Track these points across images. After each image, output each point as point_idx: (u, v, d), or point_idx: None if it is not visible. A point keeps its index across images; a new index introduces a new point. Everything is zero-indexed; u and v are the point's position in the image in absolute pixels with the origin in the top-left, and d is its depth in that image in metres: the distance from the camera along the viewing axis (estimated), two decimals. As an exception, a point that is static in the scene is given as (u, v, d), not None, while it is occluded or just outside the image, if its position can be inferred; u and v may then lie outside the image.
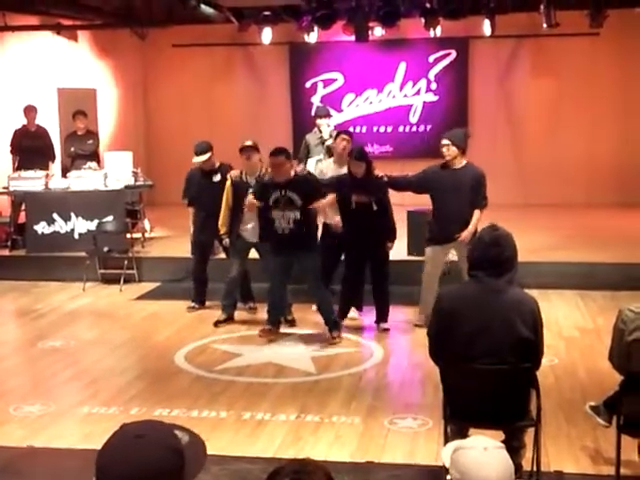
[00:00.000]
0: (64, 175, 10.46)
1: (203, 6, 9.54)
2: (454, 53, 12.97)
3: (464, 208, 6.90)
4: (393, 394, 5.86)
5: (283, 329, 7.20)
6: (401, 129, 13.27)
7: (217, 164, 7.82)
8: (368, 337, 7.17)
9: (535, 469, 4.01)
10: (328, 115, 9.08)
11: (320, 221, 7.16)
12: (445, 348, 3.94)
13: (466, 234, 6.84)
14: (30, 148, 10.22)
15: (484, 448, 2.16)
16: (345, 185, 6.99)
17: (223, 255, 7.94)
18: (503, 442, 3.38)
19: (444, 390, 4.06)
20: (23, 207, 9.92)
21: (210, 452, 1.86)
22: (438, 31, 11.09)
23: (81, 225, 9.64)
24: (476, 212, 6.93)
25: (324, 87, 13.38)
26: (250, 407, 5.45)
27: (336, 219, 7.02)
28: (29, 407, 5.54)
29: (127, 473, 1.61)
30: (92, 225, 9.52)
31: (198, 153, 7.72)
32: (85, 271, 9.01)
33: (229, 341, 7.06)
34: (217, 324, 7.45)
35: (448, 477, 2.19)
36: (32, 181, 9.79)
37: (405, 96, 13.21)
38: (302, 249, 6.72)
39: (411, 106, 13.21)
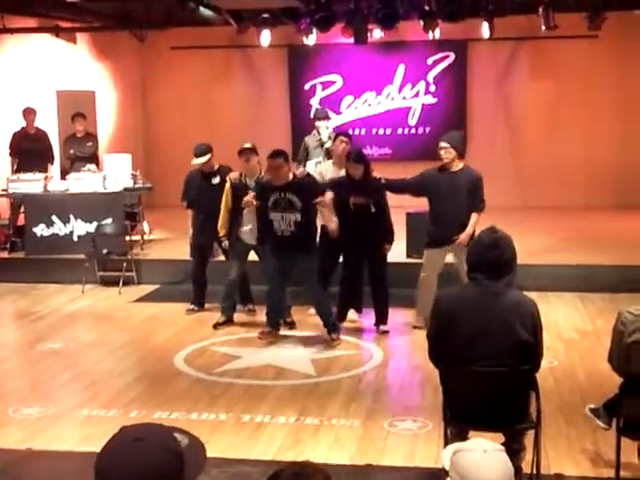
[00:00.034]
0: (63, 177, 10.46)
1: (202, 8, 9.54)
2: (453, 55, 12.99)
3: (461, 211, 6.91)
4: (393, 396, 5.85)
5: (282, 331, 7.20)
6: (400, 131, 13.28)
7: (216, 166, 7.82)
8: (367, 339, 7.17)
9: (535, 472, 4.01)
10: (327, 117, 9.09)
11: (318, 223, 7.15)
12: (444, 350, 3.94)
13: (464, 237, 6.85)
14: (29, 150, 10.22)
15: (484, 450, 2.16)
16: (343, 187, 6.99)
17: (222, 257, 7.94)
18: (503, 444, 3.39)
19: (444, 392, 4.05)
20: (22, 209, 9.91)
21: (210, 455, 1.86)
22: (437, 33, 11.11)
23: (80, 227, 9.63)
24: (473, 215, 6.94)
25: (323, 89, 13.38)
26: (249, 409, 5.45)
27: (332, 226, 7.01)
28: (28, 409, 5.53)
29: (126, 476, 1.61)
30: (91, 227, 9.52)
31: (197, 155, 7.72)
32: (84, 273, 9.01)
33: (228, 343, 7.06)
34: (216, 326, 7.45)
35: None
36: (31, 183, 9.79)
37: (404, 98, 13.22)
38: (301, 251, 6.72)
39: (410, 108, 13.22)
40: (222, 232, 7.37)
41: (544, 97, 12.94)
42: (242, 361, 6.57)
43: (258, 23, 11.02)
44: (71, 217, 9.63)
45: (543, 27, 10.08)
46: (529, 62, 12.96)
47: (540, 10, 9.95)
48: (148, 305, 8.45)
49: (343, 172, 7.23)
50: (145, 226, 10.57)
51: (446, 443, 3.91)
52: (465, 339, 3.83)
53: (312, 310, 7.30)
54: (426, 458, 4.62)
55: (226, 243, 7.43)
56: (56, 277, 9.31)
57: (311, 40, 11.54)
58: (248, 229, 7.24)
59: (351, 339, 7.10)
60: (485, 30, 11.03)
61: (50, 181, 10.02)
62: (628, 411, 4.03)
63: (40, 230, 9.62)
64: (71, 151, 10.66)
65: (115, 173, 10.10)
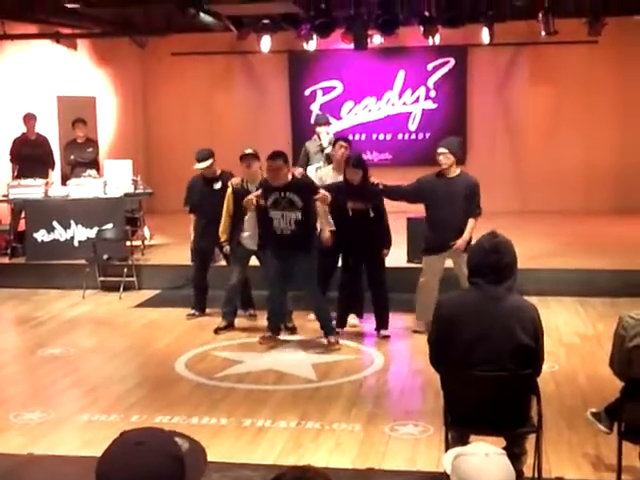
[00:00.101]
0: (64, 183, 10.48)
1: (202, 14, 9.55)
2: (453, 61, 13.01)
3: (458, 216, 6.93)
4: (394, 401, 5.85)
5: (283, 336, 7.20)
6: (400, 137, 13.30)
7: (218, 172, 7.83)
8: (368, 344, 7.17)
9: (536, 476, 4.01)
10: (328, 123, 9.10)
11: (318, 227, 7.16)
12: (445, 355, 3.94)
13: (461, 242, 6.89)
14: (30, 156, 10.23)
15: (485, 454, 2.16)
16: (341, 192, 7.00)
17: (223, 262, 7.94)
18: (504, 449, 3.39)
19: (445, 397, 4.05)
20: (23, 215, 9.92)
21: (210, 459, 1.86)
22: (437, 39, 11.12)
23: (81, 233, 9.64)
24: (470, 221, 6.96)
25: (323, 95, 13.40)
26: (250, 414, 5.45)
27: (325, 234, 7.01)
28: (29, 414, 5.53)
29: (127, 480, 1.61)
30: (92, 233, 9.53)
31: (199, 160, 7.74)
32: (85, 279, 9.01)
33: (229, 348, 7.06)
34: (217, 331, 7.45)
35: (449, 483, 2.19)
36: (32, 189, 9.80)
37: (404, 104, 13.24)
38: (301, 249, 6.73)
39: (410, 114, 13.24)
40: (224, 237, 7.37)
41: (544, 102, 12.95)
42: (243, 366, 6.57)
43: (258, 29, 11.05)
44: (72, 223, 9.64)
45: (543, 32, 10.10)
46: (529, 67, 12.98)
47: (540, 15, 9.97)
48: (149, 310, 8.45)
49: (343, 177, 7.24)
50: (146, 231, 10.58)
51: (447, 447, 3.90)
52: (466, 344, 3.83)
53: (312, 315, 7.30)
54: (427, 462, 4.62)
55: (227, 248, 7.44)
56: (57, 282, 9.31)
57: (311, 46, 11.56)
58: (249, 234, 7.24)
59: (352, 344, 7.10)
60: (485, 36, 11.05)
61: (51, 187, 10.03)
62: (629, 415, 4.03)
63: (41, 236, 9.63)
64: (72, 157, 10.68)
65: (116, 179, 10.11)
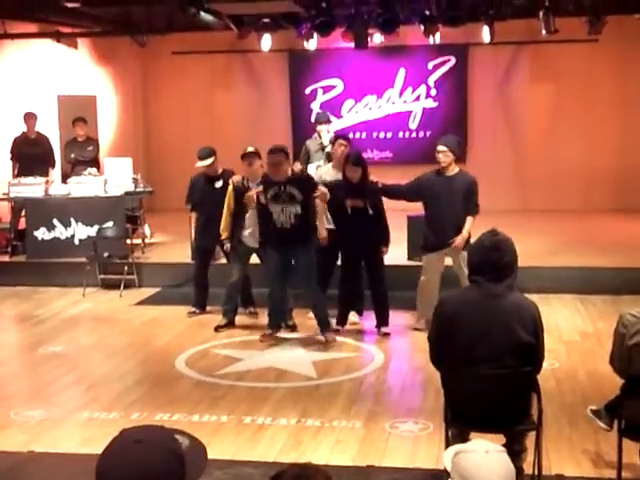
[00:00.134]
0: (64, 181, 10.48)
1: (202, 13, 9.55)
2: (453, 60, 13.00)
3: (457, 214, 6.95)
4: (394, 398, 5.85)
5: (284, 334, 7.21)
6: (401, 135, 13.29)
7: (220, 170, 7.84)
8: (369, 341, 7.17)
9: (536, 473, 4.01)
10: (328, 121, 9.10)
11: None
12: (446, 353, 3.95)
13: (459, 240, 6.90)
14: (30, 155, 10.23)
15: (485, 452, 2.16)
16: (340, 190, 7.01)
17: (224, 260, 7.95)
18: (504, 446, 3.40)
19: (445, 394, 4.06)
20: (23, 213, 9.93)
21: (211, 456, 1.87)
22: (437, 38, 11.12)
23: (81, 231, 9.65)
24: (469, 219, 6.98)
25: (324, 93, 13.40)
26: (251, 411, 5.45)
27: (322, 233, 7.02)
28: (30, 412, 5.54)
29: (127, 478, 1.61)
30: (92, 231, 9.53)
31: (201, 158, 7.74)
32: (85, 277, 9.02)
33: (230, 346, 7.07)
34: (218, 329, 7.46)
35: (449, 480, 2.19)
36: (32, 187, 9.81)
37: (405, 102, 13.23)
38: (301, 244, 6.75)
39: (410, 112, 13.23)
40: (224, 235, 7.38)
41: (545, 101, 12.95)
42: (243, 363, 6.57)
43: (259, 28, 11.04)
44: (72, 221, 9.65)
45: (543, 31, 10.08)
46: (529, 66, 12.97)
47: (540, 14, 9.95)
48: (149, 308, 8.46)
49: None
50: (146, 229, 10.58)
51: (447, 445, 3.91)
52: (466, 341, 3.84)
53: (311, 314, 7.30)
54: (427, 460, 4.63)
55: (228, 246, 7.44)
56: (57, 280, 9.32)
57: (312, 45, 11.55)
58: (250, 232, 7.25)
59: (352, 341, 7.11)
60: (486, 34, 11.03)
61: (51, 185, 10.04)
62: (629, 412, 4.04)
63: (41, 234, 9.63)
64: (72, 155, 10.69)
65: (116, 177, 10.11)
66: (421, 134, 13.19)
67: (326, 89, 13.37)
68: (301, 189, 6.74)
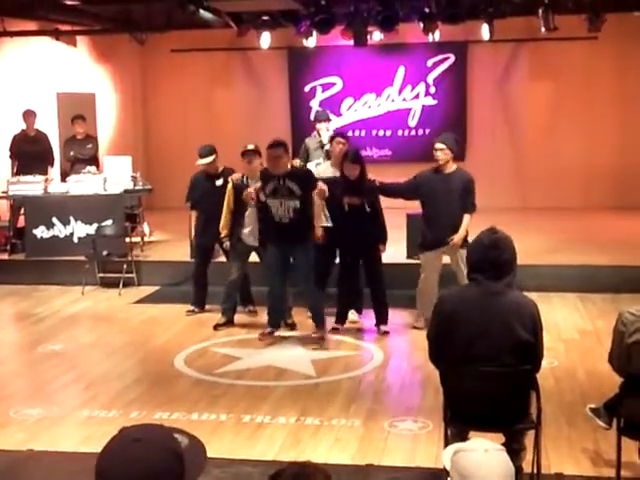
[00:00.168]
0: (63, 179, 10.47)
1: (202, 11, 9.54)
2: (453, 57, 12.99)
3: (455, 212, 6.95)
4: (393, 397, 5.85)
5: (283, 332, 7.21)
6: (400, 133, 13.28)
7: (221, 168, 7.83)
8: (368, 340, 7.17)
9: (535, 471, 4.01)
10: (328, 119, 9.10)
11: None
12: (445, 351, 3.95)
13: (457, 238, 6.91)
14: (29, 153, 10.22)
15: (485, 450, 2.16)
16: (338, 187, 7.00)
17: (223, 258, 7.94)
18: (503, 444, 3.40)
19: (444, 393, 4.06)
20: (22, 211, 9.92)
21: (210, 455, 1.86)
22: (437, 35, 11.11)
23: (80, 229, 9.64)
24: (466, 216, 6.99)
25: (323, 91, 13.39)
26: (250, 410, 5.45)
27: (318, 231, 7.02)
28: (29, 410, 5.54)
29: (127, 476, 1.61)
30: (91, 229, 9.53)
31: (202, 156, 7.73)
32: (84, 275, 9.02)
33: (229, 344, 7.06)
34: (217, 327, 7.45)
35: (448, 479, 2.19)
36: (31, 185, 9.81)
37: (404, 100, 13.22)
38: (300, 241, 6.75)
39: (410, 110, 13.22)
40: (224, 232, 7.37)
41: (544, 99, 12.94)
42: (242, 362, 6.57)
43: (258, 25, 11.02)
44: (71, 219, 9.64)
45: (543, 29, 10.08)
46: (529, 64, 12.96)
47: (540, 12, 9.94)
48: (148, 306, 8.45)
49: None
50: (145, 228, 10.58)
51: (446, 443, 3.91)
52: (465, 340, 3.84)
53: (309, 312, 7.29)
54: (426, 458, 4.63)
55: (227, 244, 7.44)
56: (56, 279, 9.31)
57: (311, 42, 11.54)
58: (249, 230, 7.24)
59: (351, 340, 7.11)
60: (485, 32, 11.03)
61: (50, 183, 10.03)
62: (628, 411, 4.04)
63: (40, 232, 9.63)
64: (71, 153, 10.68)
65: (115, 175, 10.11)
66: (420, 132, 13.18)
67: (325, 87, 13.36)
68: (300, 184, 6.73)
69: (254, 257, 7.52)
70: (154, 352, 6.95)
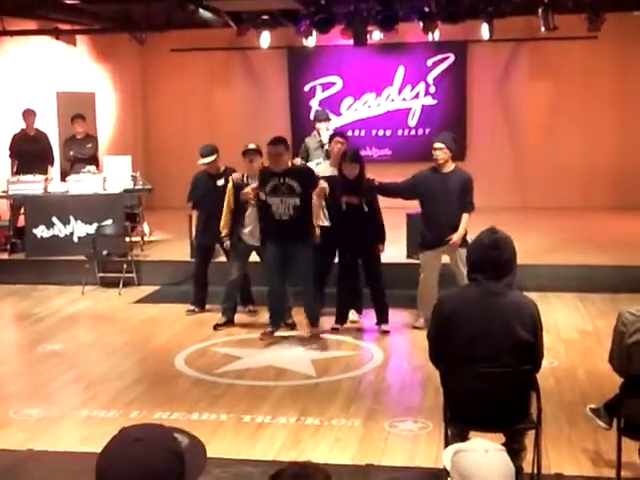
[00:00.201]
0: (63, 179, 10.47)
1: (201, 10, 9.54)
2: (452, 57, 12.99)
3: (454, 212, 6.95)
4: (393, 397, 5.85)
5: (283, 332, 7.21)
6: (400, 132, 13.28)
7: (222, 168, 7.82)
8: (368, 340, 7.17)
9: (536, 471, 4.01)
10: (327, 119, 9.10)
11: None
12: (445, 351, 3.95)
13: (456, 238, 6.91)
14: (29, 152, 10.22)
15: (485, 450, 2.16)
16: (336, 186, 7.00)
17: (223, 258, 7.94)
18: (504, 445, 3.40)
19: (444, 393, 4.05)
20: (22, 211, 9.92)
21: (210, 455, 1.86)
22: (436, 35, 11.11)
23: (80, 229, 9.64)
24: (464, 216, 6.99)
25: (323, 91, 13.39)
26: (250, 410, 5.45)
27: (317, 232, 7.01)
28: (29, 410, 5.54)
29: (127, 476, 1.61)
30: (91, 229, 9.53)
31: (203, 155, 7.73)
32: (84, 275, 9.01)
33: (229, 344, 7.06)
34: (217, 327, 7.45)
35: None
36: (31, 185, 9.80)
37: (404, 100, 13.22)
38: (300, 236, 6.74)
39: (410, 109, 13.22)
40: (224, 232, 7.37)
41: (544, 98, 12.94)
42: (243, 362, 6.57)
43: (258, 25, 11.02)
44: (71, 218, 9.64)
45: (542, 28, 10.07)
46: (529, 63, 12.96)
47: (539, 11, 9.94)
48: (148, 306, 8.45)
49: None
50: (145, 227, 10.58)
51: (447, 444, 3.91)
52: (465, 340, 3.83)
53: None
54: (427, 459, 4.63)
55: (228, 243, 7.43)
56: (56, 278, 9.31)
57: (311, 42, 11.54)
58: (250, 230, 7.24)
59: (351, 340, 7.11)
60: (485, 31, 11.03)
61: (50, 183, 10.03)
62: (629, 411, 4.04)
63: (40, 231, 9.63)
64: (71, 153, 10.68)
65: (115, 174, 10.11)
66: (420, 132, 13.18)
67: (325, 86, 13.36)
68: (301, 181, 6.73)
69: (254, 257, 7.51)
70: (154, 352, 6.94)
